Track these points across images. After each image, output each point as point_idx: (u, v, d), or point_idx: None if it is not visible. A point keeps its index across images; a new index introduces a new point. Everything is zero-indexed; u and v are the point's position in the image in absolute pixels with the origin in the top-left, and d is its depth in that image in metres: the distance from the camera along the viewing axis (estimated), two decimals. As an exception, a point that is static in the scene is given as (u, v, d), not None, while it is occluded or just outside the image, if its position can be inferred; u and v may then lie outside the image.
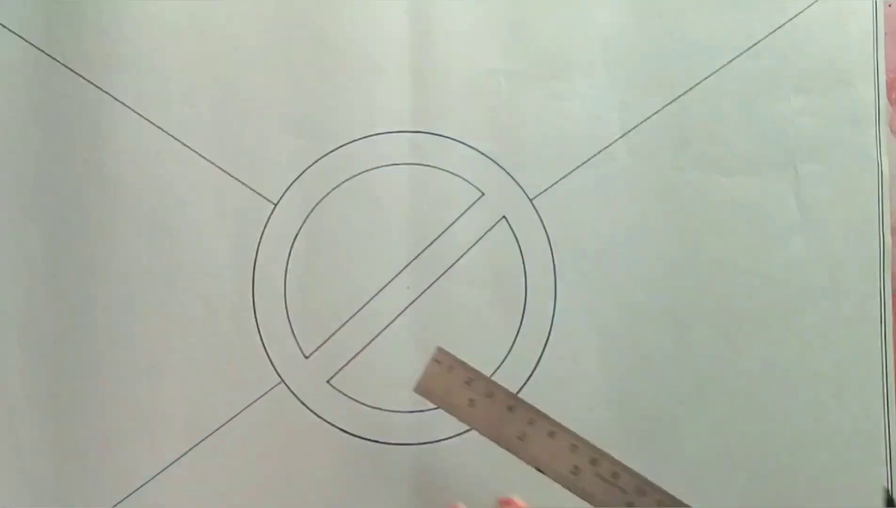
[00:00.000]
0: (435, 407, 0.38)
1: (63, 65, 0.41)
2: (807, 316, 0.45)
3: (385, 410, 0.43)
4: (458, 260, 0.44)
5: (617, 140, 0.45)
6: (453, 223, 0.44)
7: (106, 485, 0.41)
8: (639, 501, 0.36)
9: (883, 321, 0.46)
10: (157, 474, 0.41)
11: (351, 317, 0.43)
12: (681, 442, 0.44)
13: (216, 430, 0.42)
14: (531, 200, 0.44)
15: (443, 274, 0.43)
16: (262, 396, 0.42)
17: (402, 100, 0.44)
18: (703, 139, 0.45)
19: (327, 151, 0.43)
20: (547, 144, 0.44)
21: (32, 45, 0.41)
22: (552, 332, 0.44)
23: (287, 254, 0.43)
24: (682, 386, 0.45)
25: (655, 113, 0.45)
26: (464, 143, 0.44)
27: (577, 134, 0.45)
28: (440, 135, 0.44)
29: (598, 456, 0.37)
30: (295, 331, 0.43)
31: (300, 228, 0.43)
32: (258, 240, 0.42)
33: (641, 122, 0.45)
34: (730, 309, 0.45)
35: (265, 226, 0.43)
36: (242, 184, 0.42)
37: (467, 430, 0.42)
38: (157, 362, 0.42)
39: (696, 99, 0.45)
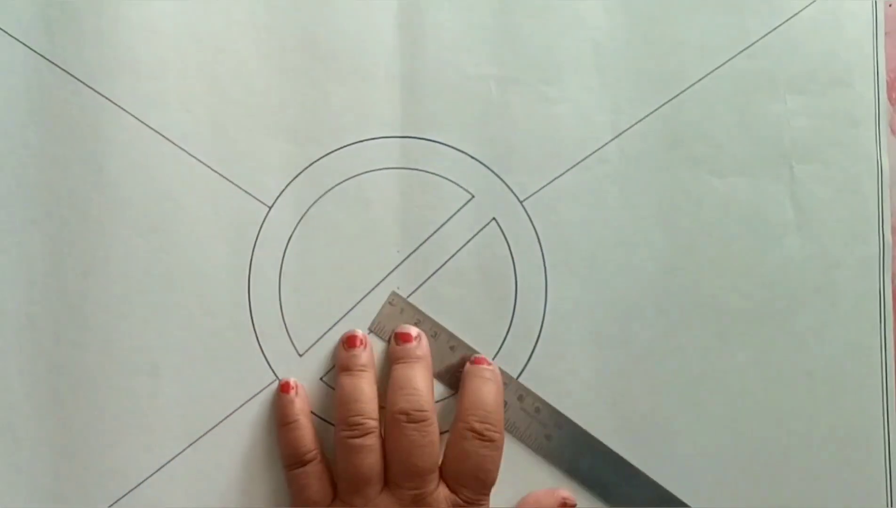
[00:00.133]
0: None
1: (63, 70, 0.42)
2: (801, 315, 0.45)
3: (377, 406, 0.43)
4: (448, 261, 0.44)
5: (609, 142, 0.45)
6: (443, 225, 0.44)
7: (104, 483, 0.42)
8: (555, 434, 0.44)
9: (883, 321, 0.45)
10: (156, 471, 0.42)
11: (343, 316, 0.43)
12: (674, 443, 0.45)
13: (213, 427, 0.42)
14: (521, 202, 0.44)
15: (432, 274, 0.44)
16: (257, 394, 0.43)
17: (392, 105, 0.44)
18: (697, 140, 0.45)
19: (320, 156, 0.43)
20: (537, 147, 0.45)
21: (33, 50, 0.42)
22: (542, 333, 0.44)
23: (281, 255, 0.43)
24: (675, 387, 0.45)
25: (648, 115, 0.45)
26: (454, 147, 0.44)
27: (569, 136, 0.45)
28: (430, 140, 0.44)
29: (524, 393, 0.44)
30: (289, 330, 0.43)
31: (294, 230, 0.43)
32: (253, 242, 0.43)
33: (634, 124, 0.45)
34: (723, 309, 0.45)
35: (260, 228, 0.43)
36: (238, 187, 0.43)
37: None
38: (155, 361, 0.42)
39: (689, 100, 0.45)
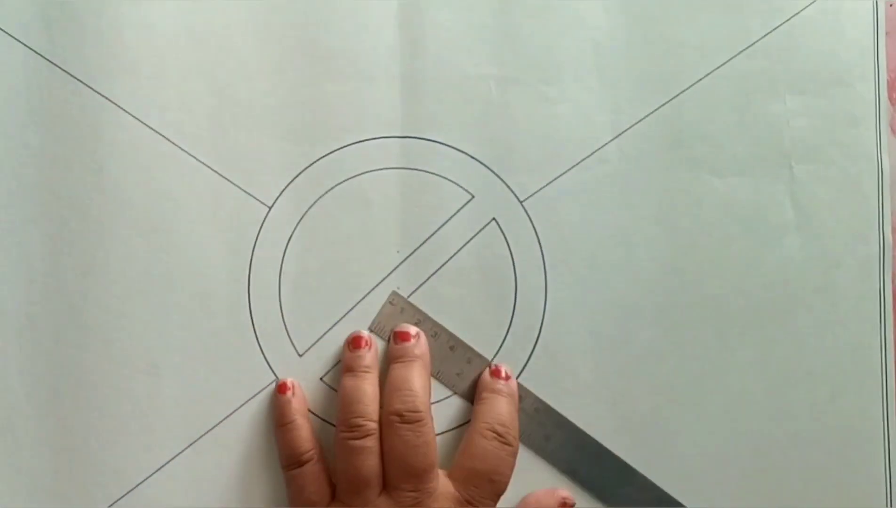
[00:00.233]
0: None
1: (63, 70, 0.42)
2: (801, 315, 0.45)
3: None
4: (448, 261, 0.44)
5: (609, 142, 0.45)
6: (443, 225, 0.44)
7: (104, 483, 0.42)
8: (555, 434, 0.44)
9: (883, 321, 0.45)
10: (156, 471, 0.42)
11: (343, 316, 0.43)
12: (673, 443, 0.45)
13: (213, 427, 0.42)
14: (521, 202, 0.44)
15: (433, 274, 0.44)
16: (257, 394, 0.43)
17: (392, 105, 0.44)
18: (697, 140, 0.45)
19: (320, 156, 0.43)
20: (537, 147, 0.45)
21: (33, 50, 0.42)
22: (542, 333, 0.44)
23: (281, 255, 0.43)
24: (675, 388, 0.45)
25: (648, 115, 0.45)
26: (454, 147, 0.44)
27: (568, 137, 0.45)
28: (430, 140, 0.44)
29: (523, 394, 0.44)
30: (289, 330, 0.43)
31: (294, 230, 0.43)
32: (253, 242, 0.43)
33: (634, 124, 0.45)
34: (723, 309, 0.45)
35: (260, 228, 0.43)
36: (238, 187, 0.43)
37: (463, 425, 0.43)
38: (155, 361, 0.42)
39: (689, 100, 0.45)
